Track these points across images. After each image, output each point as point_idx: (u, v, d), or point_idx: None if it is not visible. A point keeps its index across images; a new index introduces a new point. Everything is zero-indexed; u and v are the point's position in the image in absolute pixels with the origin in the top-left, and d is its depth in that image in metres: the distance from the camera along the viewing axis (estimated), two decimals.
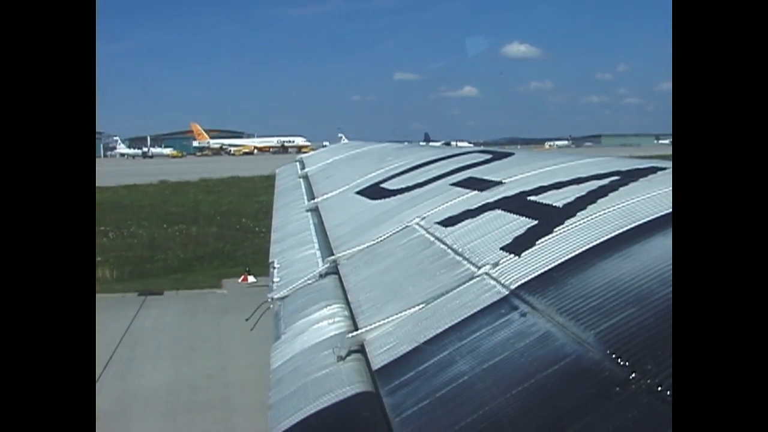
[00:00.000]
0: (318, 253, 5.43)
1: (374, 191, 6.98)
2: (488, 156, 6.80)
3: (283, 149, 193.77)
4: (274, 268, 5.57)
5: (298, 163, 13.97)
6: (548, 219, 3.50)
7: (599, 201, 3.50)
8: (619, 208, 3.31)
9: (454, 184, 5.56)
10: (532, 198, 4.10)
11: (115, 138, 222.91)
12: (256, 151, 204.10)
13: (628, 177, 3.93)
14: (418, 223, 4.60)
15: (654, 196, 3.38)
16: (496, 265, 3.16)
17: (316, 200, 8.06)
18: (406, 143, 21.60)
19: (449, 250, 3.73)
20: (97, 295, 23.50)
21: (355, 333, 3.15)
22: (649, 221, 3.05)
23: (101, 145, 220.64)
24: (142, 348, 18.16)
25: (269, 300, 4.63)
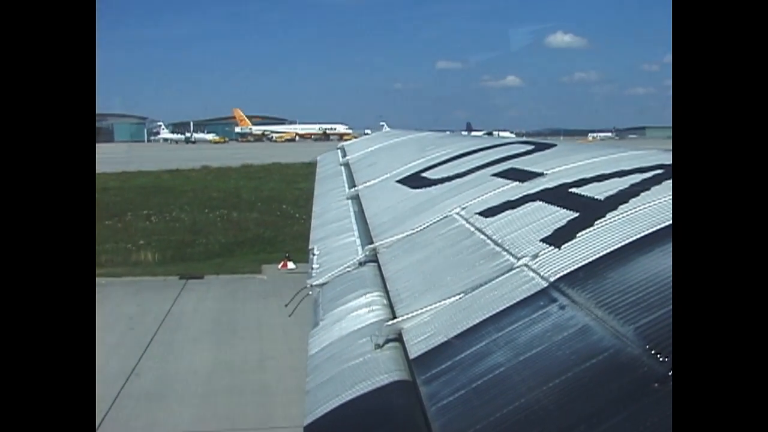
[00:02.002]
0: (357, 241, 5.45)
1: (415, 180, 6.96)
2: (530, 147, 6.75)
3: (324, 136, 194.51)
4: (313, 254, 5.59)
5: (339, 151, 13.98)
6: (589, 211, 3.47)
7: (642, 194, 3.46)
8: (662, 201, 3.27)
9: (495, 175, 5.53)
10: (574, 190, 4.06)
11: (158, 123, 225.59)
12: (297, 137, 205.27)
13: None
14: (458, 213, 4.59)
15: None
16: (535, 256, 3.14)
17: (356, 188, 8.06)
18: (447, 132, 21.54)
19: (489, 241, 3.72)
20: (139, 278, 24.02)
21: (393, 321, 3.16)
22: None
23: (145, 130, 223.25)
24: (182, 331, 18.38)
25: (308, 286, 4.65)
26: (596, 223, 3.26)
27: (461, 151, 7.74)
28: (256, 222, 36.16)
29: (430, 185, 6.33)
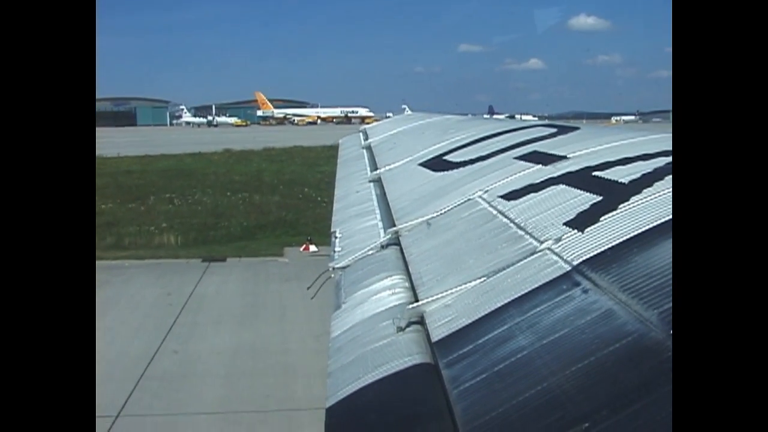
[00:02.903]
0: (380, 224, 5.45)
1: (437, 163, 6.95)
2: (553, 130, 6.71)
3: (346, 120, 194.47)
4: (335, 237, 5.60)
5: (361, 134, 13.98)
6: (613, 195, 3.45)
7: (666, 178, 3.43)
8: None
9: (517, 158, 5.51)
10: (597, 173, 4.04)
11: (180, 107, 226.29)
12: (319, 121, 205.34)
13: None
14: (480, 197, 4.58)
15: None
16: (558, 240, 3.13)
17: (378, 171, 8.06)
18: (469, 115, 21.46)
19: (511, 224, 3.70)
20: (162, 261, 24.16)
21: (415, 304, 3.16)
22: None
23: (167, 114, 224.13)
24: (205, 313, 18.49)
25: (330, 269, 4.66)
26: (620, 206, 3.24)
27: (483, 134, 7.71)
28: (278, 205, 36.21)
29: (452, 168, 6.31)
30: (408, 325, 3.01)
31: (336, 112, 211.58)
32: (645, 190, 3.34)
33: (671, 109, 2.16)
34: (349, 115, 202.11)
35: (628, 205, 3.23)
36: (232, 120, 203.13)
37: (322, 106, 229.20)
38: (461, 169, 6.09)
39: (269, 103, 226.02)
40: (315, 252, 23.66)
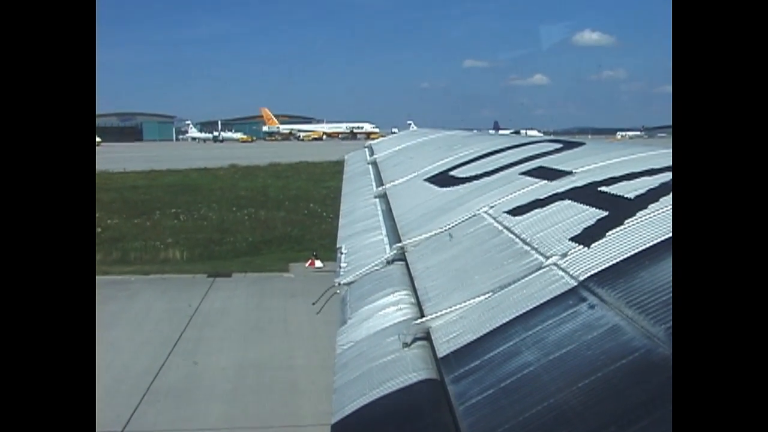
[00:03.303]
0: (385, 240, 5.45)
1: (443, 179, 6.95)
2: (558, 145, 6.71)
3: (352, 135, 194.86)
4: (341, 253, 5.60)
5: (366, 150, 14.00)
6: (619, 210, 3.44)
7: None
8: None
9: (523, 173, 5.51)
10: (603, 189, 4.03)
11: (186, 122, 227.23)
12: (325, 136, 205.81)
13: None
14: (486, 212, 4.58)
15: None
16: (564, 255, 3.12)
17: (384, 186, 8.07)
18: (474, 131, 21.47)
19: (517, 240, 3.70)
20: (168, 276, 24.18)
21: (421, 320, 3.15)
22: None
23: (173, 129, 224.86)
24: (210, 328, 18.48)
25: (336, 285, 4.66)
26: (626, 222, 3.23)
27: (489, 150, 7.71)
28: (284, 220, 36.24)
29: (457, 184, 6.31)
30: (414, 341, 3.00)
31: (341, 127, 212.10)
32: (651, 205, 3.34)
33: (671, 123, 2.16)
34: (355, 130, 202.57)
35: (634, 220, 3.22)
36: (238, 135, 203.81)
37: (327, 122, 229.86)
38: (467, 184, 6.09)
39: (275, 119, 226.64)
40: (320, 267, 23.68)
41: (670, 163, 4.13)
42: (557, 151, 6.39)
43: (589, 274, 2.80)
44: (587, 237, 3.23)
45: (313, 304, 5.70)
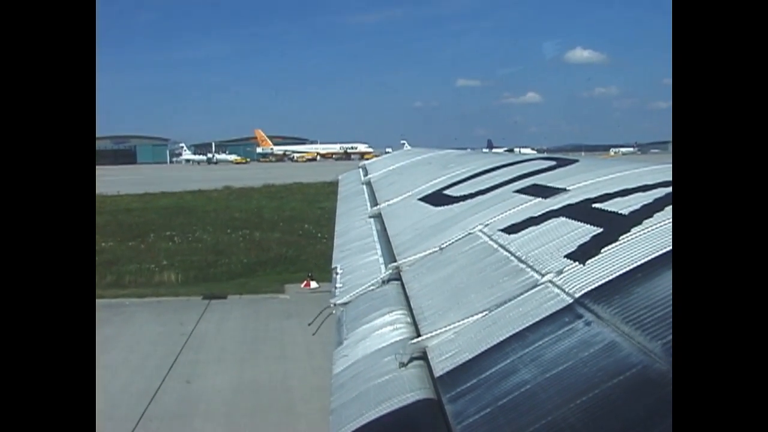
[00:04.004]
0: (381, 260, 5.44)
1: (437, 198, 6.96)
2: (552, 163, 6.73)
3: (346, 156, 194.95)
4: (336, 273, 5.59)
5: (360, 170, 14.01)
6: (613, 227, 3.45)
7: (666, 209, 3.43)
8: None
9: (517, 191, 5.52)
10: (597, 205, 4.05)
11: (180, 144, 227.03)
12: (319, 157, 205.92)
13: None
14: (481, 230, 4.58)
15: None
16: (560, 273, 3.12)
17: (378, 206, 8.07)
18: (468, 150, 21.53)
19: (512, 258, 3.70)
20: (163, 298, 24.08)
21: (417, 339, 3.15)
22: None
23: (167, 152, 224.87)
24: (205, 351, 18.42)
25: (331, 305, 4.65)
26: (621, 238, 3.24)
27: (483, 168, 7.73)
28: (279, 242, 36.20)
29: (452, 203, 6.32)
30: (410, 361, 2.99)
31: (335, 148, 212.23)
32: (645, 221, 3.35)
33: (671, 137, 2.17)
34: (349, 151, 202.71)
35: (629, 236, 3.23)
36: (232, 157, 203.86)
37: (321, 143, 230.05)
38: (461, 203, 6.10)
39: (269, 140, 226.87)
40: (316, 288, 23.63)
41: (664, 179, 4.15)
42: (551, 168, 6.40)
43: (584, 291, 2.80)
44: (582, 254, 3.23)
45: (309, 324, 5.69)
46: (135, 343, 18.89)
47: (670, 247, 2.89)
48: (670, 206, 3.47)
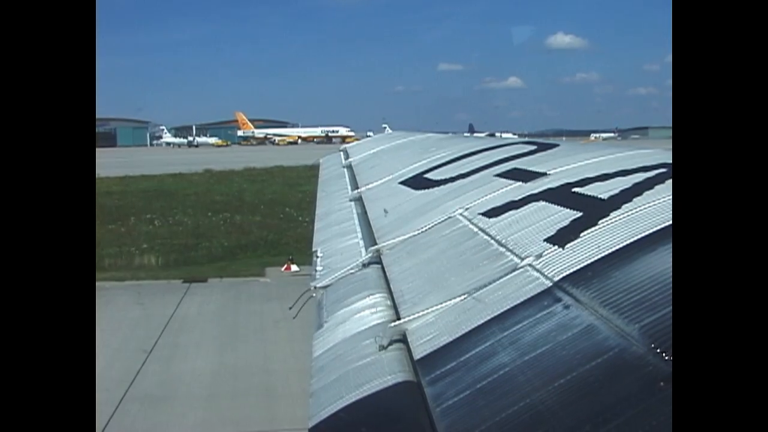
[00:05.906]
0: (361, 243, 5.44)
1: (418, 181, 6.96)
2: (533, 147, 6.74)
3: (327, 139, 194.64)
4: (317, 257, 5.59)
5: (342, 153, 13.99)
6: (593, 211, 3.46)
7: (645, 193, 3.45)
8: (665, 200, 3.26)
9: (498, 175, 5.53)
10: (577, 190, 4.06)
11: (161, 127, 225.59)
12: (300, 140, 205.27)
13: None
14: (461, 214, 4.59)
15: None
16: (539, 256, 3.14)
17: (359, 190, 8.06)
18: (450, 134, 21.53)
19: (492, 241, 3.71)
20: (143, 282, 24.00)
21: (397, 322, 3.16)
22: None
23: (147, 135, 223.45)
24: (185, 334, 18.39)
25: (312, 289, 4.65)
26: (600, 222, 3.25)
27: (464, 152, 7.74)
28: (260, 225, 36.14)
29: (433, 186, 6.32)
30: (390, 344, 3.00)
31: (316, 131, 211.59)
32: (624, 206, 3.36)
33: (671, 109, 2.17)
34: (330, 134, 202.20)
35: (608, 220, 3.25)
36: (213, 140, 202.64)
37: (302, 126, 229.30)
38: (442, 186, 6.10)
39: (250, 123, 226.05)
40: (296, 271, 23.62)
41: (643, 164, 4.17)
42: (532, 152, 6.42)
43: (563, 274, 2.82)
44: (562, 238, 3.25)
45: (290, 308, 5.69)
46: (115, 327, 18.80)
47: (649, 231, 2.91)
48: (648, 191, 3.50)
